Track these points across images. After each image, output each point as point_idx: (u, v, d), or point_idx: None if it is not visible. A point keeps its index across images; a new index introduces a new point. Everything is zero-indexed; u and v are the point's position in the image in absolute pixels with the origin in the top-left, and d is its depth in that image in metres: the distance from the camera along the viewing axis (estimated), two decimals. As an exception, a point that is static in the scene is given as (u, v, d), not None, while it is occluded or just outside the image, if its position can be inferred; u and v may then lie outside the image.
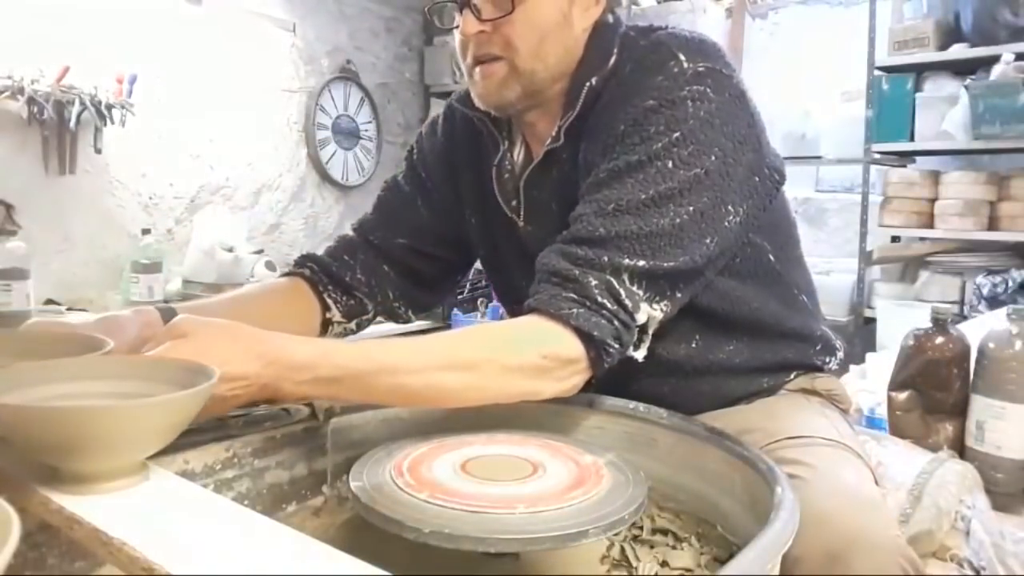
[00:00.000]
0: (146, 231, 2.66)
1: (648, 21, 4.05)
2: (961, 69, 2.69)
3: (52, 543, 0.63)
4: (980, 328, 1.26)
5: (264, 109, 3.26)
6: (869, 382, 1.61)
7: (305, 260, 1.13)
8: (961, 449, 1.21)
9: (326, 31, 3.50)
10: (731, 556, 0.70)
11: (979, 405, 1.19)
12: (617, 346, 0.80)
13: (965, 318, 2.26)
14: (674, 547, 0.80)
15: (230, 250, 2.72)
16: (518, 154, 1.02)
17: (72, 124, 2.49)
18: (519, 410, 0.94)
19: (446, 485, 0.70)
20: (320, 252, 1.14)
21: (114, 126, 2.61)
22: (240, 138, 3.16)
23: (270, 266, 3.01)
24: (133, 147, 2.77)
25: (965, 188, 2.65)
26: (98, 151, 2.62)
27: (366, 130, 3.68)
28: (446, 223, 1.13)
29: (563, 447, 0.80)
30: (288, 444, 0.83)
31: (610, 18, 0.96)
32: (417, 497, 0.67)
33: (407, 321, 1.20)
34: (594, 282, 0.78)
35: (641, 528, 0.82)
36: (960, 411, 1.23)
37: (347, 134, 3.59)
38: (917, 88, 2.78)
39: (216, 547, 0.50)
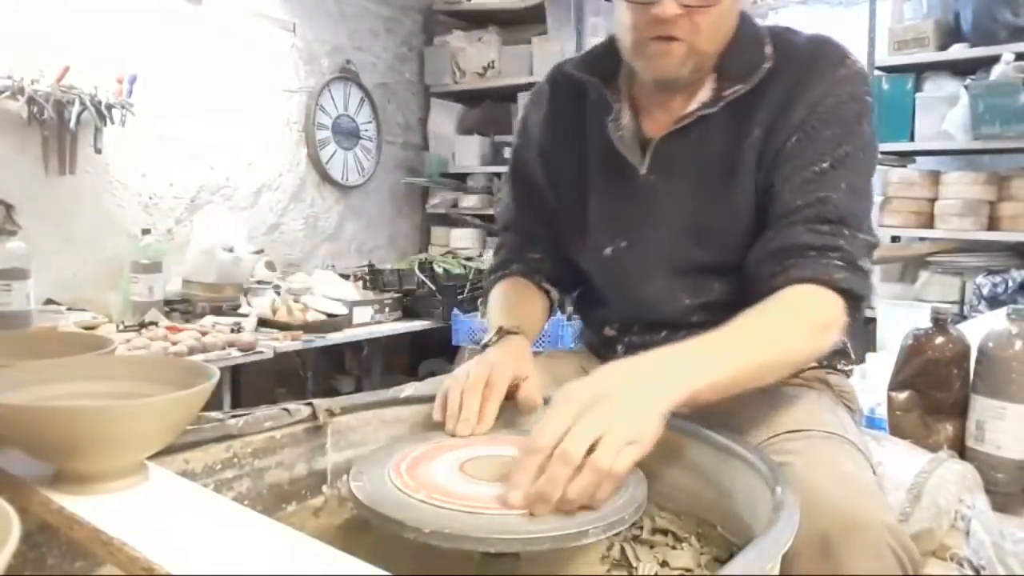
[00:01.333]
0: (146, 231, 2.67)
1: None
2: (961, 69, 2.69)
3: (52, 543, 0.63)
4: (980, 328, 1.26)
5: (264, 109, 3.26)
6: (869, 382, 1.61)
7: (508, 265, 1.21)
8: (961, 449, 1.21)
9: (326, 31, 3.50)
10: (731, 556, 0.70)
11: (979, 405, 1.19)
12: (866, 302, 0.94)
13: (965, 318, 2.26)
14: (674, 547, 0.80)
15: (230, 250, 2.72)
16: (625, 113, 1.07)
17: (72, 124, 2.49)
18: (519, 410, 0.94)
19: (445, 485, 0.70)
20: (503, 256, 1.23)
21: (114, 126, 2.61)
22: (240, 138, 3.16)
23: (270, 266, 3.01)
24: (133, 147, 2.77)
25: (965, 188, 2.65)
26: (98, 151, 2.62)
27: (366, 130, 3.68)
28: (550, 186, 1.18)
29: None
30: (288, 444, 0.83)
31: None
32: (417, 497, 0.67)
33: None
34: (849, 248, 0.91)
35: (641, 528, 0.82)
36: (960, 411, 1.23)
37: (347, 134, 3.59)
38: (917, 88, 2.78)
39: (216, 547, 0.50)
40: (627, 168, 1.05)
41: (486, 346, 1.02)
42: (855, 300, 0.91)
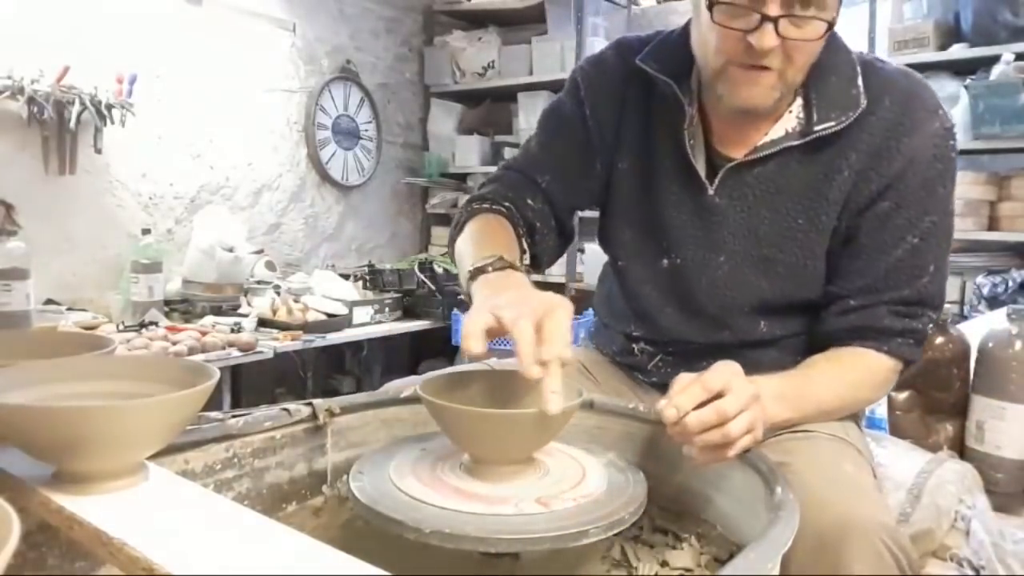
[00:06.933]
0: (146, 231, 2.67)
1: (648, 21, 4.00)
2: (961, 69, 2.69)
3: (52, 543, 0.63)
4: (980, 328, 1.26)
5: (264, 109, 3.26)
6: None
7: (498, 199, 1.06)
8: (961, 449, 1.21)
9: (326, 31, 3.50)
10: (731, 556, 0.70)
11: (979, 405, 1.19)
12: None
13: (965, 318, 2.26)
14: (674, 547, 0.80)
15: (230, 250, 2.72)
16: (696, 121, 1.01)
17: (72, 124, 2.49)
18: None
19: (446, 485, 0.70)
20: (497, 187, 1.08)
21: (114, 126, 2.61)
22: (240, 138, 3.16)
23: (270, 266, 3.01)
24: (133, 147, 2.77)
25: (965, 188, 2.65)
26: (98, 151, 2.62)
27: (366, 130, 3.68)
28: (598, 160, 1.08)
29: (563, 447, 0.80)
30: (288, 444, 0.83)
31: None
32: (417, 497, 0.67)
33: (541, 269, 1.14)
34: (924, 329, 0.98)
35: (641, 528, 0.82)
36: (960, 411, 1.23)
37: (347, 134, 3.59)
38: (917, 88, 2.77)
39: (216, 547, 0.50)
40: (694, 182, 1.00)
41: (480, 271, 0.86)
42: (909, 365, 0.99)
